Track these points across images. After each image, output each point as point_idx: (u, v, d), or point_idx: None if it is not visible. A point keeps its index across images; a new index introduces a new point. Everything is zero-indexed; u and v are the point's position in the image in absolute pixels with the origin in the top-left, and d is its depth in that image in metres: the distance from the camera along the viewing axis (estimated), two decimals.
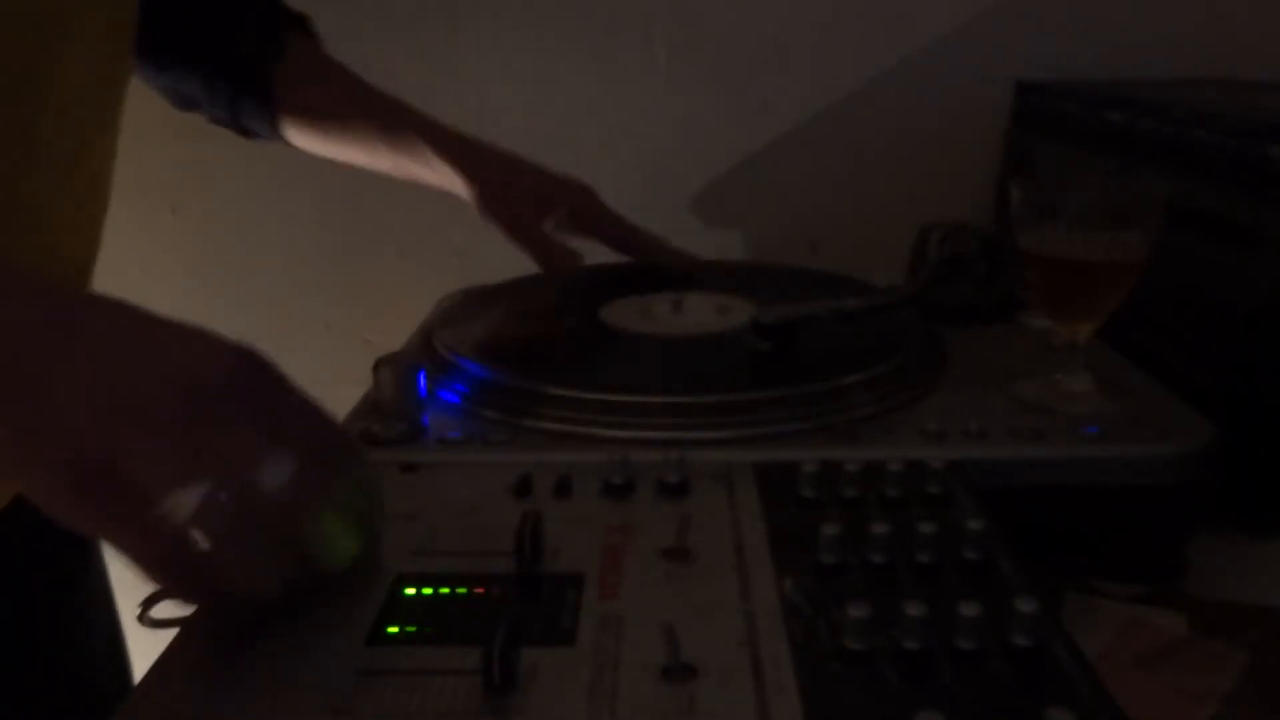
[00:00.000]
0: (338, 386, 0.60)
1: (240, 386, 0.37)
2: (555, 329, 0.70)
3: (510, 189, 0.74)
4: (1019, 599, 0.37)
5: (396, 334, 0.74)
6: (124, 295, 0.37)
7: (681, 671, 0.36)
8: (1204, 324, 0.65)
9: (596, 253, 0.80)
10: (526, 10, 0.98)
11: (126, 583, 0.37)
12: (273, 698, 0.35)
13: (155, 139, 0.91)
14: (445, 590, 0.41)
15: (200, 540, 0.35)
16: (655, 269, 0.79)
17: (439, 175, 0.74)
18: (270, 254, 1.05)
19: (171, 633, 0.39)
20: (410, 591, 0.41)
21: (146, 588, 0.38)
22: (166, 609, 0.40)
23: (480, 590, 0.41)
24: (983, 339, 0.68)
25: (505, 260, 0.76)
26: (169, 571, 0.36)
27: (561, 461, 0.51)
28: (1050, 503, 0.52)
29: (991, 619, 0.36)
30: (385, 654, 0.37)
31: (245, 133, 0.75)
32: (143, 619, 0.40)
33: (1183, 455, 0.53)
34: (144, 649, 0.47)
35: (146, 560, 0.35)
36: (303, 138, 0.75)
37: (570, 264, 0.76)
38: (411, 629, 0.39)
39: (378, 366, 0.56)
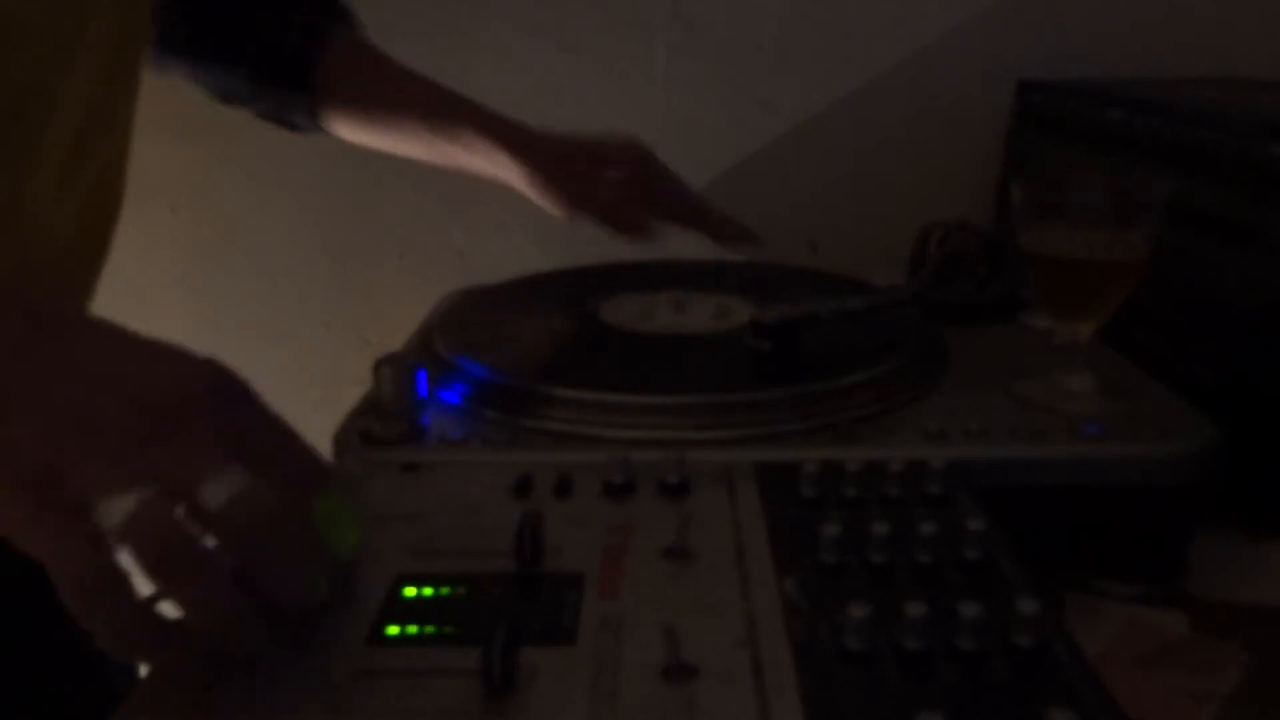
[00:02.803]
0: (338, 386, 0.60)
1: (206, 408, 0.36)
2: (555, 329, 0.70)
3: (562, 169, 0.73)
4: (1019, 599, 0.37)
5: (396, 334, 0.74)
6: (124, 295, 0.38)
7: (681, 671, 0.36)
8: (1204, 324, 0.65)
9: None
10: (527, 10, 0.98)
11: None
12: (273, 697, 0.35)
13: (155, 139, 0.91)
14: (445, 590, 0.41)
15: (136, 560, 0.33)
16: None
17: (488, 161, 0.73)
18: (270, 254, 1.05)
19: None
20: (410, 591, 0.41)
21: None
22: (166, 609, 0.40)
23: (480, 590, 0.41)
24: (983, 339, 0.68)
25: (505, 260, 0.76)
26: (98, 594, 0.34)
27: (562, 461, 0.51)
28: (1050, 503, 0.52)
29: (992, 619, 0.36)
30: (385, 654, 0.37)
31: (291, 126, 0.75)
32: None
33: (1183, 455, 0.53)
34: None
35: (73, 581, 0.33)
36: (347, 129, 0.75)
37: (640, 224, 0.74)
38: (411, 629, 0.39)
39: (378, 366, 0.56)
